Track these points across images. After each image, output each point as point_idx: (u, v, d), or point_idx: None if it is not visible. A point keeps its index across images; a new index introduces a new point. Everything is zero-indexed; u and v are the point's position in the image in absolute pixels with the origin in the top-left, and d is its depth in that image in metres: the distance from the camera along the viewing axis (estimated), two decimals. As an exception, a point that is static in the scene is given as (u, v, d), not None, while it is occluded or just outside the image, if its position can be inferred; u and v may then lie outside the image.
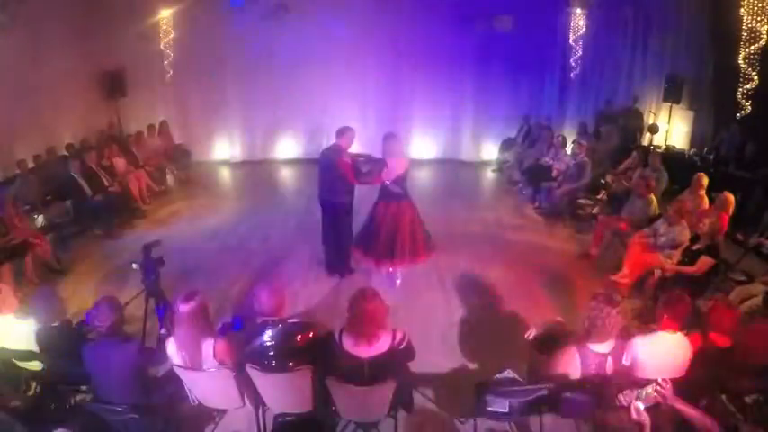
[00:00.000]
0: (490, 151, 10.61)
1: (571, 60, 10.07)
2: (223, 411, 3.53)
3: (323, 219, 5.61)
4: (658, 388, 2.78)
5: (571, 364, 2.94)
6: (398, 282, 5.57)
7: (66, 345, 3.28)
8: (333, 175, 5.24)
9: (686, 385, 3.13)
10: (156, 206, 8.19)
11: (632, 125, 9.54)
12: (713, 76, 8.81)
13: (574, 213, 7.38)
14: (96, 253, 6.52)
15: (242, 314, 4.13)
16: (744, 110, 8.04)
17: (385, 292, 3.25)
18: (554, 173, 8.02)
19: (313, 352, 3.06)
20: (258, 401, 3.22)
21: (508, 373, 3.39)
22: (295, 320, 3.32)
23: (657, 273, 5.02)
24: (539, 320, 4.77)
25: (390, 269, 5.52)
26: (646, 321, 4.51)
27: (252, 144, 10.61)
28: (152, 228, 7.32)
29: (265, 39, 9.67)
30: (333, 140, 5.44)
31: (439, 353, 4.39)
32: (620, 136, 9.18)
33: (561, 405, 3.09)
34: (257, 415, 3.33)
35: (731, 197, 5.53)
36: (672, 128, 9.35)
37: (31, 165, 7.24)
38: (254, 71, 9.86)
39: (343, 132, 5.30)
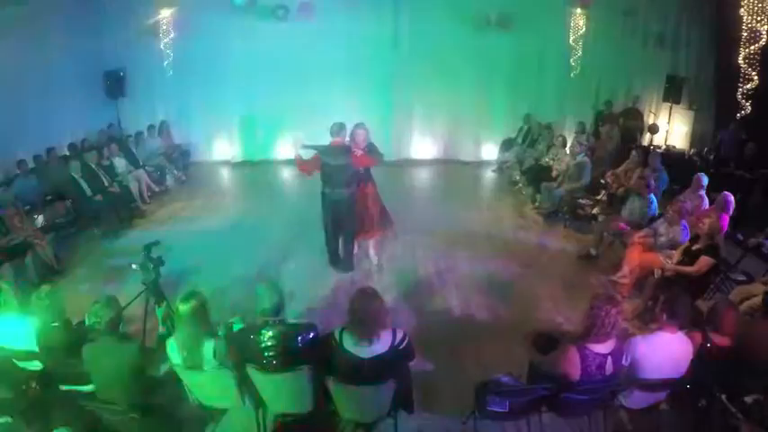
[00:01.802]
0: (490, 151, 10.60)
1: (571, 60, 10.06)
2: (223, 411, 3.54)
3: (330, 217, 5.68)
4: None
5: (571, 364, 2.94)
6: (378, 259, 6.03)
7: (66, 345, 3.28)
8: (345, 172, 5.45)
9: (686, 385, 3.13)
10: (156, 206, 8.19)
11: (632, 125, 9.54)
12: (713, 76, 8.82)
13: (574, 213, 7.38)
14: (96, 253, 6.51)
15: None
16: (744, 110, 8.04)
17: (385, 292, 3.25)
18: (554, 173, 8.02)
19: (313, 352, 3.06)
20: (258, 401, 3.22)
21: (508, 373, 3.39)
22: (295, 320, 3.33)
23: (657, 273, 5.02)
24: (539, 320, 4.81)
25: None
26: (646, 321, 4.52)
27: (252, 144, 10.60)
28: (152, 228, 7.31)
29: (265, 39, 9.67)
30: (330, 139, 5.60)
31: (439, 353, 4.39)
32: (620, 136, 9.18)
33: (561, 405, 3.09)
34: (257, 415, 3.33)
35: (731, 197, 5.53)
36: (672, 128, 9.36)
37: (31, 165, 7.24)
38: (255, 71, 9.85)
39: (341, 129, 5.53)
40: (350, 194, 5.55)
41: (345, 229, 5.75)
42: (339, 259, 5.91)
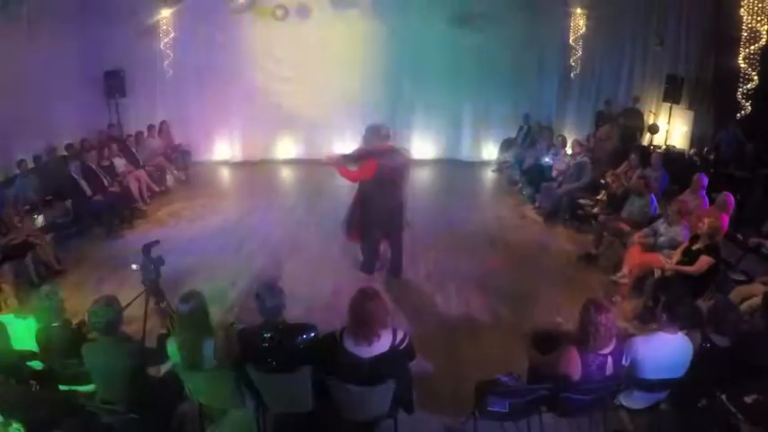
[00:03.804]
0: (490, 151, 10.60)
1: (571, 60, 10.06)
2: (223, 411, 3.54)
3: (385, 223, 5.47)
4: None
5: (571, 365, 2.94)
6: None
7: (66, 345, 3.28)
8: (404, 175, 5.41)
9: (686, 385, 3.13)
10: (156, 206, 8.19)
11: (632, 125, 9.53)
12: (713, 76, 8.81)
13: (574, 213, 7.38)
14: (96, 253, 6.52)
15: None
16: (744, 110, 8.03)
17: (385, 292, 3.25)
18: (554, 173, 8.02)
19: (313, 352, 3.07)
20: (258, 401, 3.22)
21: (508, 373, 3.39)
22: (295, 320, 3.33)
23: (657, 273, 5.02)
24: (539, 320, 4.80)
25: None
26: (646, 321, 4.52)
27: (252, 144, 10.60)
28: (152, 228, 7.31)
29: (265, 39, 9.67)
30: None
31: (439, 353, 4.39)
32: (620, 136, 9.18)
33: (561, 405, 3.09)
34: (257, 415, 3.33)
35: (731, 197, 5.53)
36: (672, 128, 9.35)
37: (31, 165, 7.24)
38: (254, 71, 9.85)
39: (390, 133, 5.42)
40: (403, 197, 5.48)
41: (398, 232, 5.58)
42: (375, 266, 5.76)
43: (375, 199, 5.31)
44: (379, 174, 5.15)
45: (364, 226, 5.56)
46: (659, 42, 9.32)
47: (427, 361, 4.15)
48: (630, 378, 3.08)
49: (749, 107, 7.96)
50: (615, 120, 9.50)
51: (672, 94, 8.93)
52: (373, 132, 5.30)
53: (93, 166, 7.47)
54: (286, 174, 10.33)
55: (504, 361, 3.73)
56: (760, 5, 7.54)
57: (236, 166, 10.54)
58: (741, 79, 7.96)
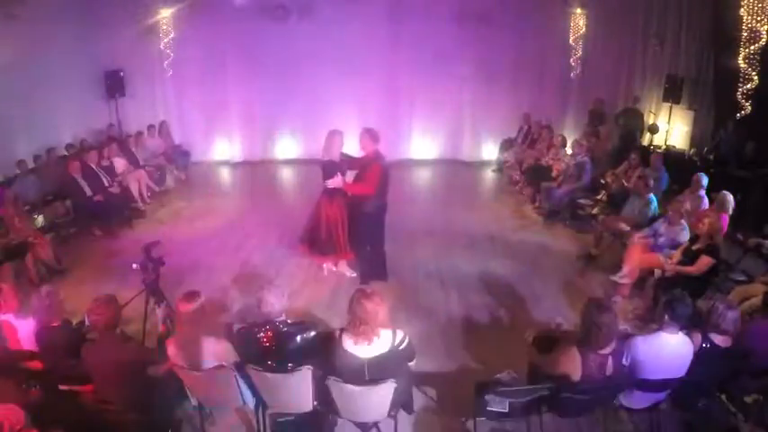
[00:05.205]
0: (490, 151, 10.60)
1: (571, 60, 10.06)
2: (223, 411, 3.54)
3: (379, 224, 5.39)
4: None
5: (571, 365, 2.94)
6: (353, 274, 5.70)
7: (66, 345, 3.28)
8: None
9: (686, 385, 3.13)
10: (156, 206, 8.19)
11: (632, 125, 9.53)
12: (713, 76, 8.81)
13: (574, 213, 7.38)
14: (96, 253, 6.52)
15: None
16: (744, 110, 8.02)
17: (385, 292, 3.25)
18: (554, 173, 8.02)
19: (313, 352, 3.07)
20: (258, 401, 3.22)
21: (508, 373, 3.39)
22: (295, 320, 3.33)
23: (657, 273, 5.02)
24: (539, 320, 4.81)
25: (333, 265, 5.76)
26: (646, 321, 4.52)
27: (252, 144, 10.61)
28: (152, 228, 7.31)
29: (265, 39, 9.67)
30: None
31: (439, 353, 4.39)
32: (619, 136, 9.17)
33: (561, 405, 3.10)
34: (257, 415, 3.33)
35: (731, 197, 5.53)
36: (672, 128, 9.35)
37: (31, 165, 7.24)
38: (254, 71, 9.86)
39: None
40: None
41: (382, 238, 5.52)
42: (374, 273, 5.55)
43: (381, 207, 5.24)
44: (383, 181, 5.18)
45: (364, 235, 5.39)
46: (659, 42, 9.32)
47: (427, 361, 4.14)
48: (630, 378, 3.09)
49: (749, 107, 7.95)
50: (614, 120, 9.50)
51: (672, 94, 8.92)
52: (370, 136, 5.22)
53: (93, 166, 7.47)
54: (286, 174, 10.33)
55: (504, 361, 3.73)
56: (760, 5, 7.53)
57: (236, 166, 10.55)
58: (741, 79, 7.95)
